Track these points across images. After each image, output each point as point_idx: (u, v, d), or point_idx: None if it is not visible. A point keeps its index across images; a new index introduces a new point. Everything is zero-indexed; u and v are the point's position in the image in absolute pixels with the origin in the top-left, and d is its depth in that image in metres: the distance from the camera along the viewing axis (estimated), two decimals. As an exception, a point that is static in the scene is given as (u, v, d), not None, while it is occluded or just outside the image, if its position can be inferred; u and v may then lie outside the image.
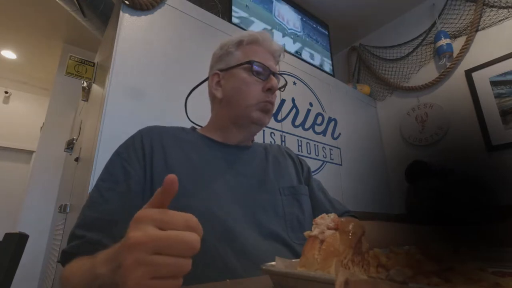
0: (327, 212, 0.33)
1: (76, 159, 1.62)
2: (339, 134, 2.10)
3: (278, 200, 0.63)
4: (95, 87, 1.62)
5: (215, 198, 0.56)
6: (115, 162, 0.58)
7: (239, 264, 0.50)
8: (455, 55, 2.12)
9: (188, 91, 0.80)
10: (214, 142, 0.67)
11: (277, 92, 0.70)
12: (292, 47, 2.13)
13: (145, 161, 0.57)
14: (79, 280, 0.38)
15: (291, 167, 0.75)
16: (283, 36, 2.09)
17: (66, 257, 0.47)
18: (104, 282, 0.31)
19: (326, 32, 2.54)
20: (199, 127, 0.74)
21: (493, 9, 2.01)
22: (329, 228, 0.31)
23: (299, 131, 1.82)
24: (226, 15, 1.76)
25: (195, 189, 0.56)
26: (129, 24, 1.23)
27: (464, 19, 2.14)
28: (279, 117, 1.71)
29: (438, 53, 2.16)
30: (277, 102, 1.72)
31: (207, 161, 0.62)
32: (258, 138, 0.77)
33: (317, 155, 1.88)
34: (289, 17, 2.21)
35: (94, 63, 1.70)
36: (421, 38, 2.35)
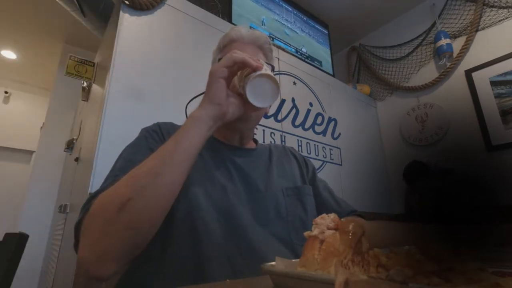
0: (334, 212, 0.33)
1: (76, 159, 1.62)
2: (339, 134, 2.10)
3: (281, 201, 0.63)
4: (95, 87, 1.62)
5: (223, 198, 0.56)
6: (139, 138, 0.61)
7: (244, 263, 0.51)
8: (455, 55, 2.13)
9: (188, 91, 0.80)
10: (221, 143, 0.67)
11: None
12: (292, 47, 2.13)
13: None
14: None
15: (295, 167, 0.75)
16: (283, 36, 2.09)
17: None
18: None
19: (326, 32, 2.54)
20: None
21: (493, 9, 2.01)
22: (329, 228, 0.31)
23: (299, 131, 1.82)
24: (226, 15, 1.76)
25: (205, 188, 0.56)
26: (129, 24, 1.23)
27: (464, 19, 2.14)
28: (279, 117, 1.71)
29: (438, 53, 2.16)
30: (277, 102, 1.72)
31: (215, 161, 0.62)
32: (258, 138, 0.77)
33: (317, 155, 1.88)
34: (289, 17, 2.21)
35: (94, 63, 1.70)
36: (421, 38, 2.35)
